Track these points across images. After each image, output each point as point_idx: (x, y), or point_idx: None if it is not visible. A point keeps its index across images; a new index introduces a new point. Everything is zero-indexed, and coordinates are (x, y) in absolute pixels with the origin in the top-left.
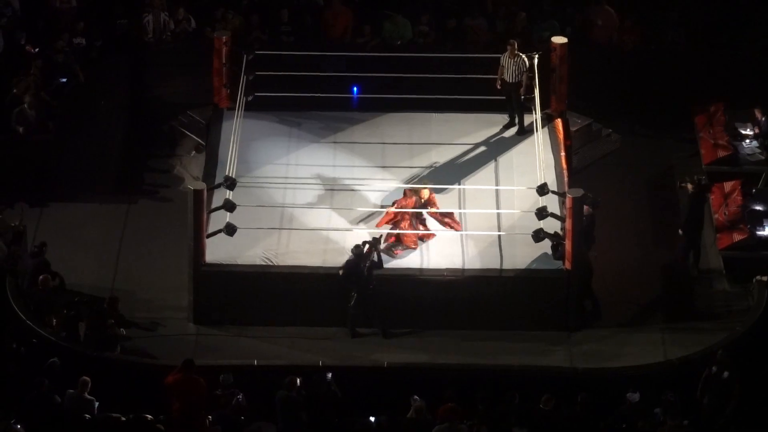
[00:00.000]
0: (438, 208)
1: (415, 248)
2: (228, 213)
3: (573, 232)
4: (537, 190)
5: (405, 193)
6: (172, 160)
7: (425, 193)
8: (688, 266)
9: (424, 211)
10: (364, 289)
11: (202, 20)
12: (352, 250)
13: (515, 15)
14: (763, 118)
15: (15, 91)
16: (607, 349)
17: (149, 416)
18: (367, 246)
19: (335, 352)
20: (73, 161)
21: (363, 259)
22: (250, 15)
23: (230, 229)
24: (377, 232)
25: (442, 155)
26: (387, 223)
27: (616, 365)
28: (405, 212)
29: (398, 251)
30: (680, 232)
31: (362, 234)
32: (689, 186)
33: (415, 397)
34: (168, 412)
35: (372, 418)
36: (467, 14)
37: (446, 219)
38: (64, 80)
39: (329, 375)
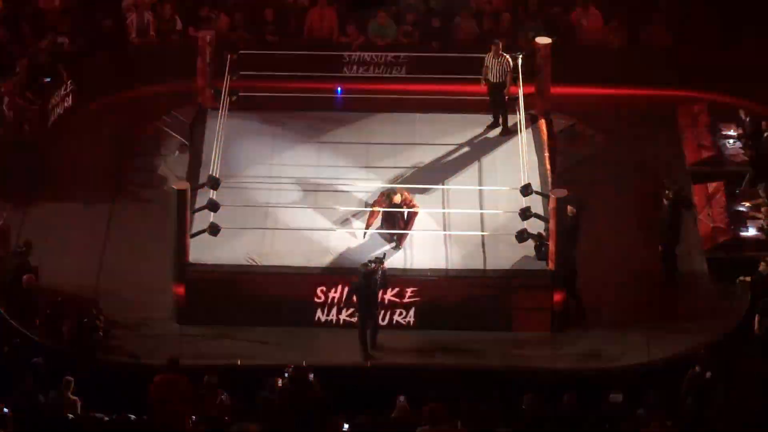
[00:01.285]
0: (412, 210)
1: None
2: (212, 213)
3: (556, 233)
4: (521, 191)
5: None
6: (156, 159)
7: (397, 198)
8: (669, 270)
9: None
10: (371, 306)
11: (188, 20)
12: (360, 268)
13: (499, 15)
14: (747, 119)
15: (3, 89)
16: (590, 349)
17: (132, 416)
18: (373, 264)
19: (319, 352)
20: (57, 161)
21: (370, 277)
22: (233, 14)
23: (214, 229)
24: (361, 230)
25: (426, 155)
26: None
27: (600, 366)
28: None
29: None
30: (660, 248)
31: (346, 234)
32: (664, 201)
33: (400, 397)
34: (151, 412)
35: (345, 426)
36: (453, 14)
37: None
38: (48, 80)
39: (311, 376)
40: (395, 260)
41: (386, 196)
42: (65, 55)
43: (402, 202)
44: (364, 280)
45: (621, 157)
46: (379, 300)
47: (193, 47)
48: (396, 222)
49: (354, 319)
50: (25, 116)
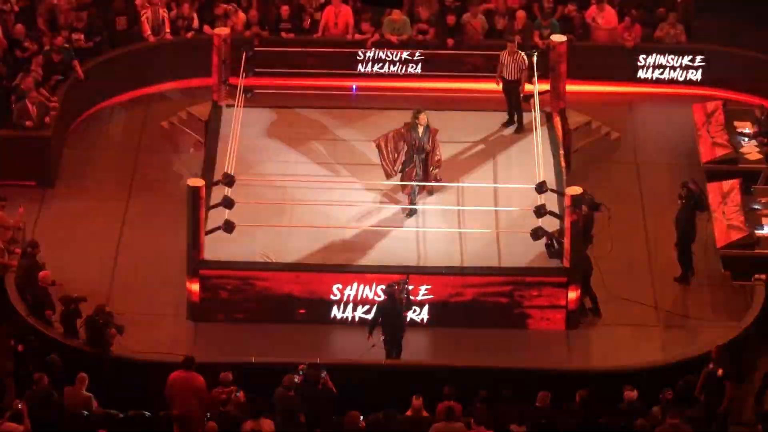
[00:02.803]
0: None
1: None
2: (226, 210)
3: (571, 230)
4: (536, 188)
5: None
6: (170, 156)
7: (423, 119)
8: (685, 268)
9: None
10: (396, 329)
11: (204, 17)
12: (385, 291)
13: (514, 13)
14: (763, 116)
15: (22, 86)
16: (605, 347)
17: (147, 413)
18: (397, 285)
19: (334, 349)
20: (72, 158)
21: (395, 298)
22: (248, 11)
23: (229, 226)
24: (377, 228)
25: (441, 152)
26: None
27: (615, 363)
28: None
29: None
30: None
31: (362, 231)
32: (679, 200)
33: (415, 398)
34: (166, 409)
35: (361, 417)
36: (466, 11)
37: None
38: (62, 77)
39: (323, 373)
40: (410, 258)
41: (414, 115)
42: (80, 52)
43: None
44: (389, 301)
45: (636, 154)
46: (405, 323)
47: (209, 44)
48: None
49: (370, 317)
50: (47, 111)
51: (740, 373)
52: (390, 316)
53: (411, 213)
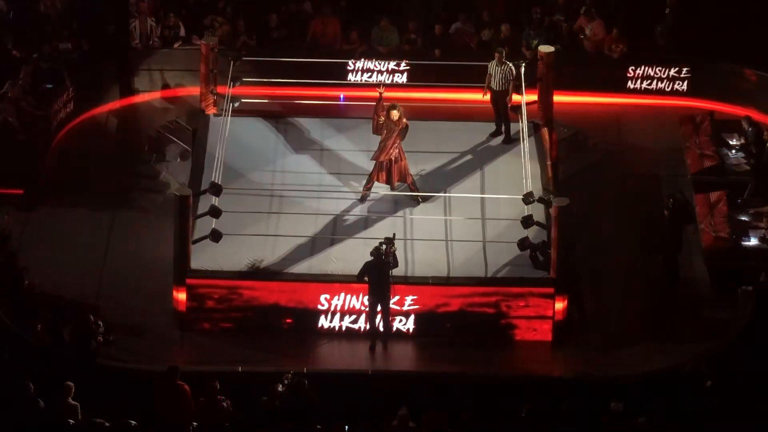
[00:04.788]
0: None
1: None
2: (214, 219)
3: (558, 241)
4: (523, 199)
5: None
6: (158, 166)
7: (395, 114)
8: (671, 279)
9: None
10: (383, 287)
11: (191, 27)
12: (372, 253)
13: (499, 25)
14: (750, 128)
15: (10, 95)
16: (592, 357)
17: (133, 422)
18: (384, 246)
19: (320, 358)
20: (59, 166)
21: (382, 259)
22: (236, 21)
23: (216, 236)
24: (365, 238)
25: (428, 163)
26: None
27: (601, 374)
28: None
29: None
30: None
31: (349, 241)
32: (666, 211)
33: (402, 409)
34: (152, 418)
35: (346, 427)
36: (455, 20)
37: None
38: (51, 86)
39: (305, 382)
40: (397, 268)
41: (387, 110)
42: (68, 61)
43: (399, 118)
44: (376, 260)
45: (624, 165)
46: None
47: (197, 54)
48: (391, 174)
49: (356, 326)
50: (31, 121)
51: (728, 385)
52: (377, 275)
53: (418, 200)
